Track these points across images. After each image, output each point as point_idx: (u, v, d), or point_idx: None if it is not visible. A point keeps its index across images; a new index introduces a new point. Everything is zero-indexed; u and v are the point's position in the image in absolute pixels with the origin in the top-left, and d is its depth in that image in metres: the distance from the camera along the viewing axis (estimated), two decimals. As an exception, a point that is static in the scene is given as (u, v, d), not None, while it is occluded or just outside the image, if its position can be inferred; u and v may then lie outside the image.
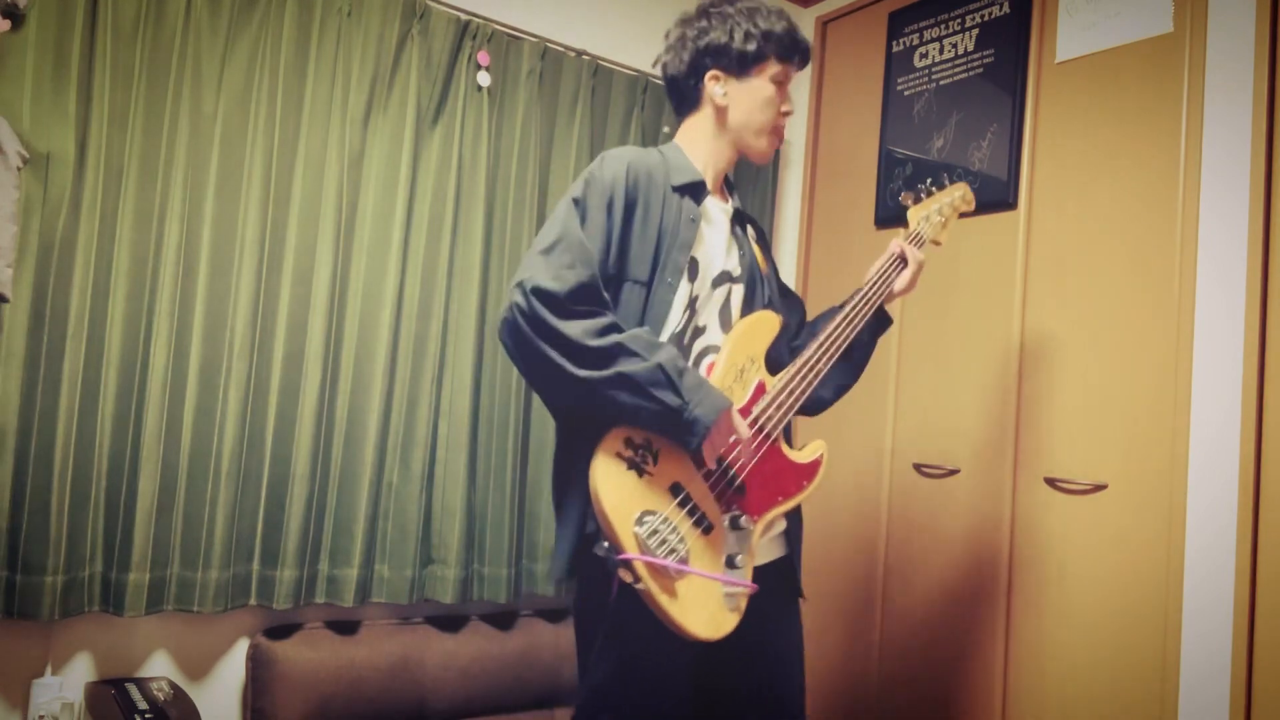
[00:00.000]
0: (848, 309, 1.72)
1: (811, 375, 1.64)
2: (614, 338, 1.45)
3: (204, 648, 2.23)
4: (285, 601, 2.20)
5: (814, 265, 3.04)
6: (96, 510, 2.01)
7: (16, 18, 1.91)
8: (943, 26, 2.70)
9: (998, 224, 2.49)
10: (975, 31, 2.61)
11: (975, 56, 2.59)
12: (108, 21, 2.02)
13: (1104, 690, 2.12)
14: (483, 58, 2.49)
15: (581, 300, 1.47)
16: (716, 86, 1.70)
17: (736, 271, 1.70)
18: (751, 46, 1.67)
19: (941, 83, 2.68)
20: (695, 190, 1.66)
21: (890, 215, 2.78)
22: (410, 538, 2.35)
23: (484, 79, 2.49)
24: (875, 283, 1.76)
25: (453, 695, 2.35)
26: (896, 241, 1.81)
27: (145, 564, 2.04)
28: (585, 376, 1.43)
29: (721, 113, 1.71)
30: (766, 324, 1.68)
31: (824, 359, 1.66)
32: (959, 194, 1.99)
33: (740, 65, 1.68)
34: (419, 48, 2.40)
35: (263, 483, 2.20)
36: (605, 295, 1.52)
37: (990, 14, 2.57)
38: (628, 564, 1.40)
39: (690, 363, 1.63)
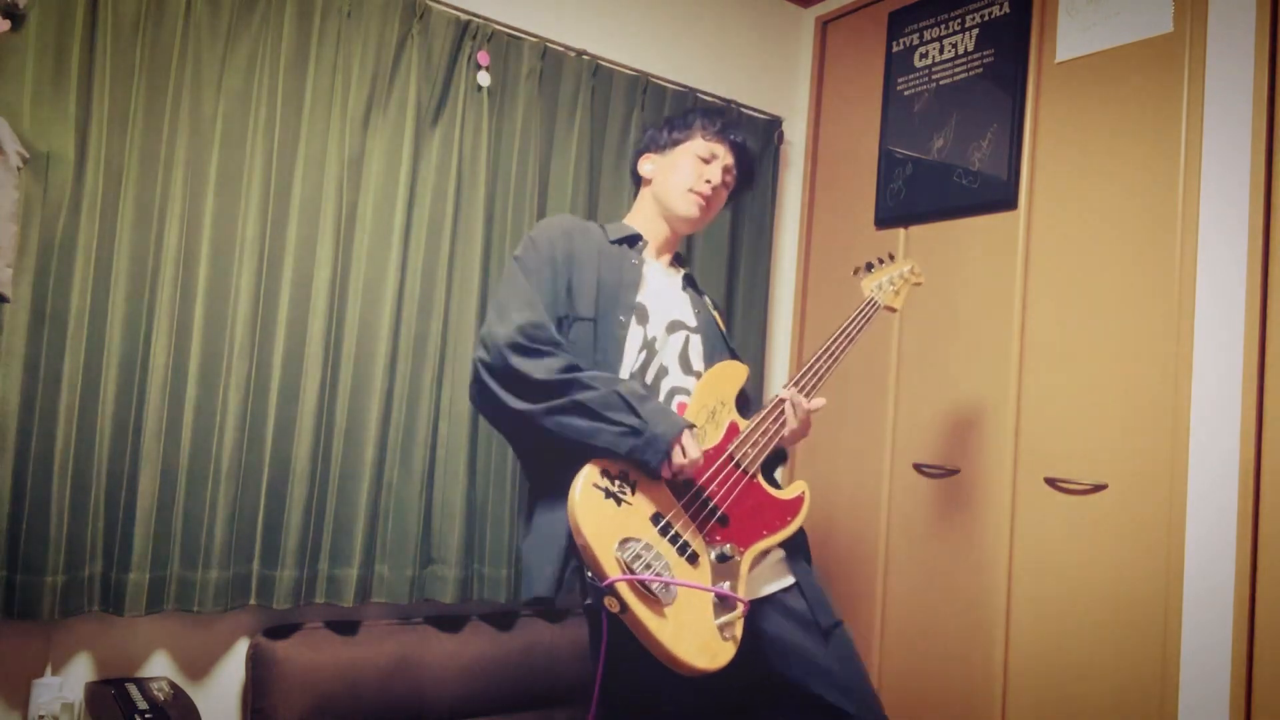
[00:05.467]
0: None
1: (779, 426, 1.71)
2: (573, 375, 1.55)
3: (204, 648, 2.23)
4: (285, 601, 2.20)
5: (814, 265, 3.04)
6: (96, 510, 2.01)
7: (16, 18, 1.91)
8: (943, 26, 2.70)
9: (998, 224, 2.49)
10: (975, 31, 2.61)
11: (975, 56, 2.59)
12: (108, 21, 2.02)
13: (1104, 690, 2.12)
14: (483, 58, 2.49)
15: (534, 338, 1.57)
16: (646, 164, 1.97)
17: (692, 323, 1.81)
18: (673, 133, 1.93)
19: (941, 83, 2.68)
20: (630, 240, 1.86)
21: (890, 215, 2.78)
22: (410, 538, 2.35)
23: (484, 79, 2.49)
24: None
25: (453, 695, 2.35)
26: (783, 391, 1.74)
27: (145, 564, 2.04)
28: (544, 408, 1.52)
29: (649, 185, 1.94)
30: (735, 371, 1.77)
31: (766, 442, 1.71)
32: (908, 267, 2.09)
33: (667, 145, 1.93)
34: (419, 48, 2.40)
35: (263, 483, 2.19)
36: (558, 335, 1.62)
37: (990, 14, 2.57)
38: (612, 589, 1.37)
39: (662, 400, 1.70)
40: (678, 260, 1.98)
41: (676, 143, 1.92)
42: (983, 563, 2.40)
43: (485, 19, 2.52)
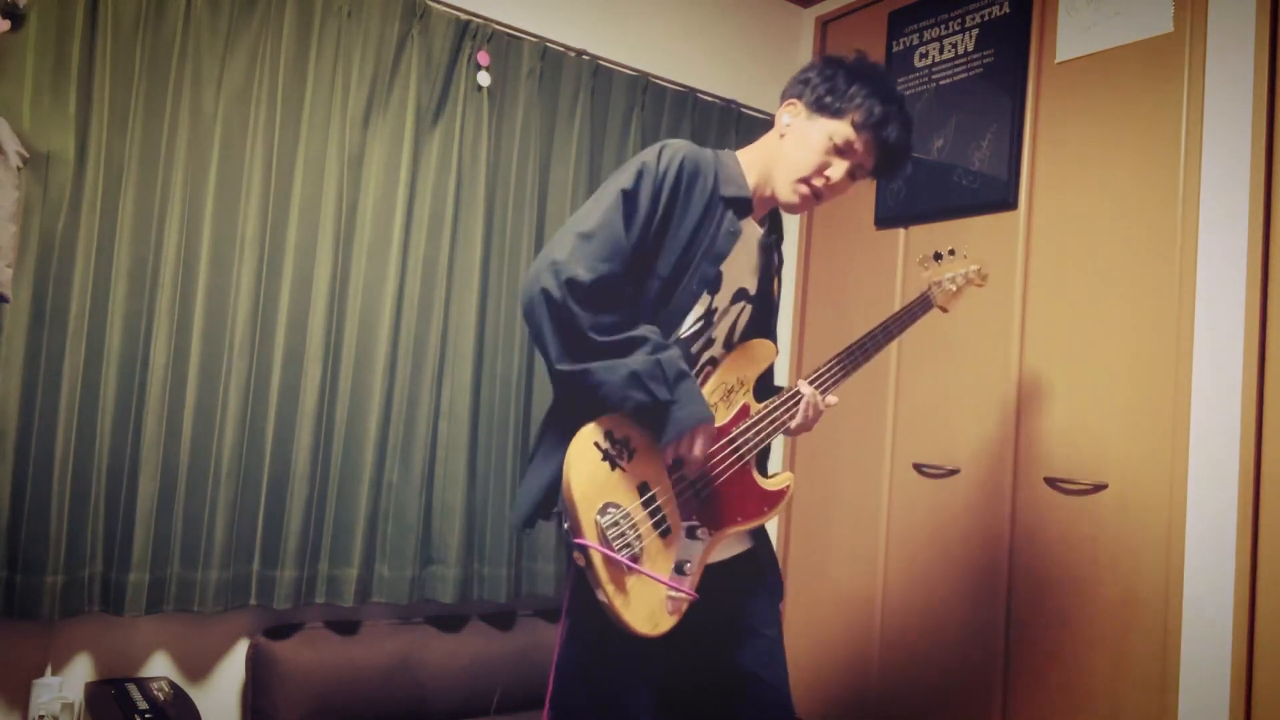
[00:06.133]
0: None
1: (787, 417, 1.67)
2: (626, 334, 1.49)
3: (204, 648, 2.23)
4: (285, 601, 2.20)
5: (814, 265, 3.04)
6: (96, 510, 2.01)
7: (16, 18, 1.91)
8: (943, 26, 2.70)
9: (998, 224, 2.49)
10: (975, 31, 2.61)
11: (975, 56, 2.59)
12: (108, 21, 2.02)
13: (1104, 690, 2.12)
14: (483, 58, 2.49)
15: (606, 293, 1.49)
16: (787, 113, 1.68)
17: (753, 291, 1.73)
18: (829, 99, 1.62)
19: (941, 83, 2.68)
20: (740, 205, 1.65)
21: (890, 215, 2.78)
22: (410, 538, 2.35)
23: (484, 79, 2.49)
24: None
25: (453, 695, 2.35)
26: (801, 384, 1.70)
27: (145, 564, 2.04)
28: (591, 367, 1.48)
29: (780, 141, 1.68)
30: (763, 351, 1.72)
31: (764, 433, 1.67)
32: (975, 268, 1.97)
33: (816, 106, 1.64)
34: (419, 48, 2.40)
35: (263, 483, 2.19)
36: (629, 290, 1.54)
37: (990, 14, 2.57)
38: (583, 549, 1.45)
39: (695, 369, 1.67)
40: (772, 217, 1.78)
41: (824, 110, 1.62)
42: (983, 563, 2.40)
43: (485, 19, 2.52)
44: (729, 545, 1.69)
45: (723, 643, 1.69)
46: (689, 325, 1.63)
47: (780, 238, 1.81)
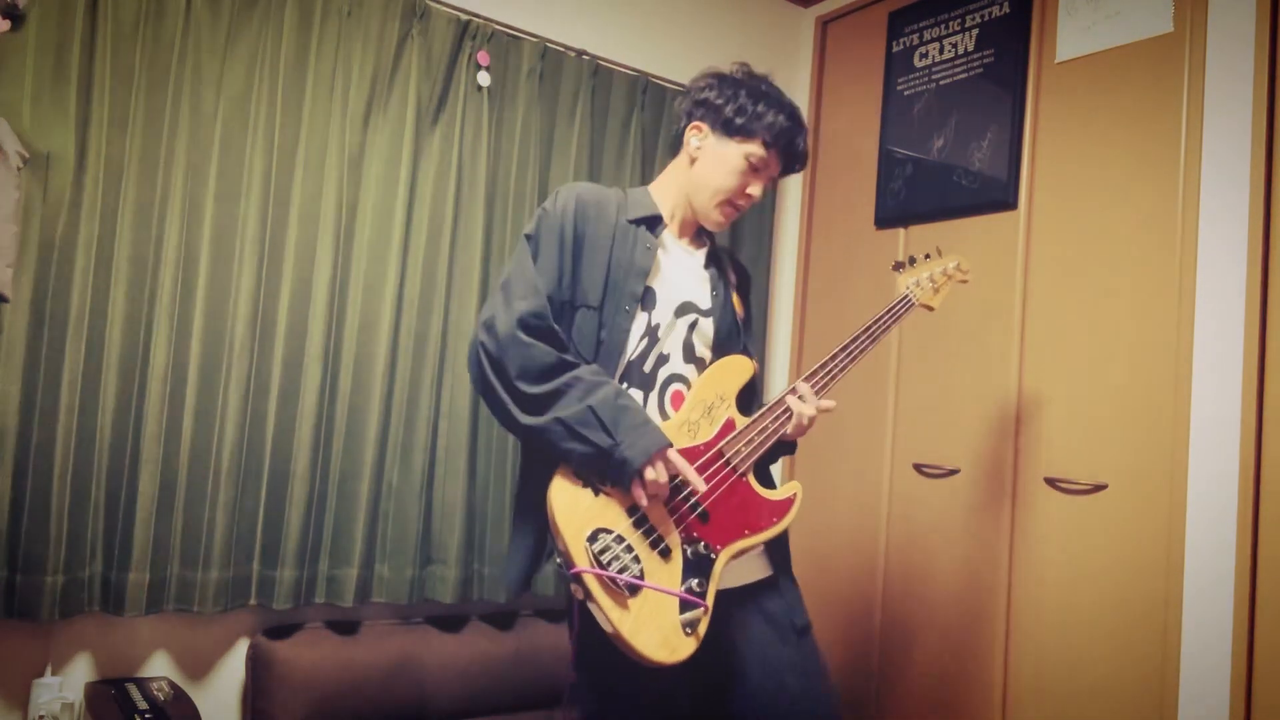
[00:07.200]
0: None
1: (778, 425, 1.66)
2: (556, 381, 1.51)
3: (204, 648, 2.23)
4: (285, 601, 2.20)
5: (813, 265, 3.04)
6: (96, 510, 2.01)
7: (16, 18, 1.91)
8: (943, 26, 2.70)
9: (998, 224, 2.49)
10: (975, 31, 2.61)
11: (975, 56, 2.59)
12: (108, 21, 2.02)
13: (1104, 690, 2.12)
14: (483, 58, 2.49)
15: (530, 329, 1.53)
16: (694, 137, 1.74)
17: (704, 306, 1.73)
18: (739, 120, 1.69)
19: (941, 83, 2.68)
20: (651, 223, 1.71)
21: (890, 215, 2.77)
22: (410, 538, 2.35)
23: (484, 79, 2.49)
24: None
25: (453, 695, 2.35)
26: (794, 386, 1.71)
27: (145, 564, 2.04)
28: (527, 424, 1.51)
29: (691, 163, 1.75)
30: (740, 366, 1.72)
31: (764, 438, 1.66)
32: (953, 264, 1.96)
33: (725, 129, 1.70)
34: (419, 48, 2.40)
35: (263, 483, 2.19)
36: (556, 327, 1.58)
37: (990, 14, 2.57)
38: (578, 579, 1.41)
39: (656, 390, 1.67)
40: (702, 236, 1.82)
41: (735, 132, 1.69)
42: (983, 563, 2.40)
43: (485, 19, 2.52)
44: (745, 569, 1.66)
45: (759, 682, 1.62)
46: (634, 346, 1.65)
47: (729, 257, 1.85)
